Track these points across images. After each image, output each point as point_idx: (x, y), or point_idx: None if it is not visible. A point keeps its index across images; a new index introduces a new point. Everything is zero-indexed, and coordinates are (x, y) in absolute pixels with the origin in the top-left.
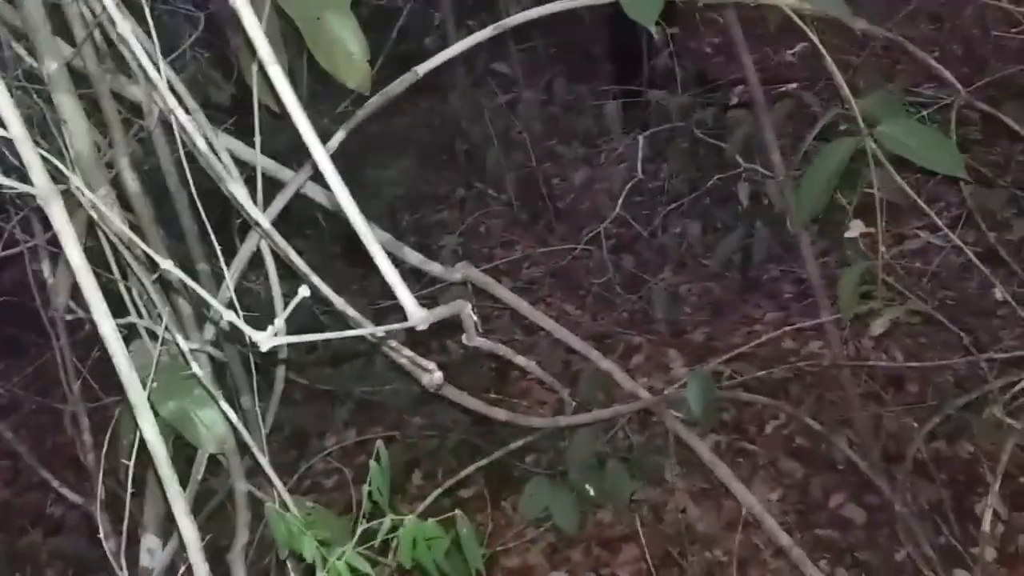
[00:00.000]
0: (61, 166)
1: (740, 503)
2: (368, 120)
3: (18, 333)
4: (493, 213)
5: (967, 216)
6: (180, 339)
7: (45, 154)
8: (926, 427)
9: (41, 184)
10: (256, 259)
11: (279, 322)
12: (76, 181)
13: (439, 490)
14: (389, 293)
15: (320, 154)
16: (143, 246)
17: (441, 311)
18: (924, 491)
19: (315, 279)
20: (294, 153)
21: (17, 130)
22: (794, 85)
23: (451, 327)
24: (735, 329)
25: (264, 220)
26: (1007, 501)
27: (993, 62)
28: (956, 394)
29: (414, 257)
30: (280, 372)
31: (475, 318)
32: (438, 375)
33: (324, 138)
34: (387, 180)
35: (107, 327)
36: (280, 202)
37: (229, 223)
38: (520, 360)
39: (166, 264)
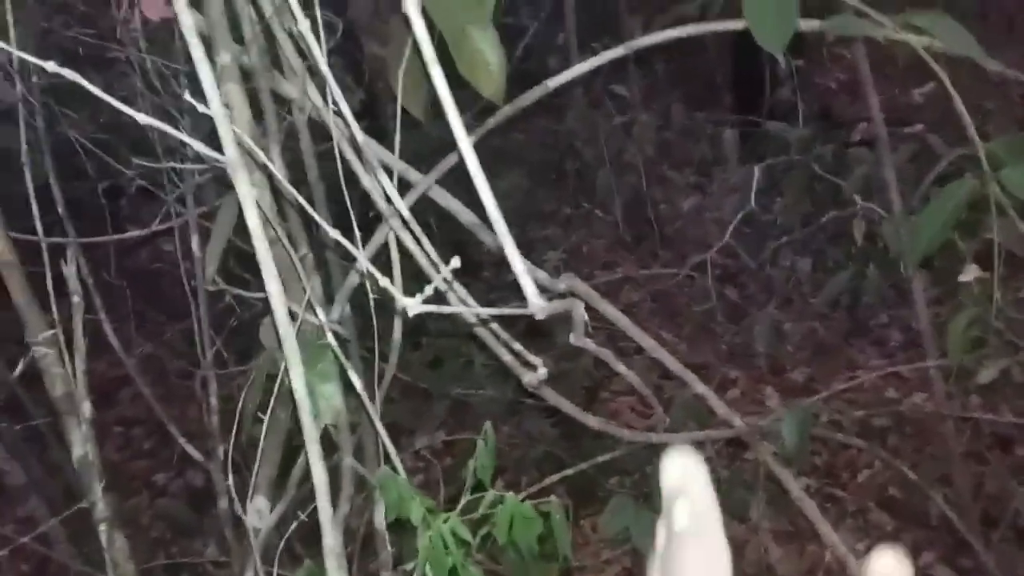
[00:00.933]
0: (248, 141)
1: (823, 548)
2: (485, 133)
3: (145, 309)
4: (598, 233)
5: None
6: (320, 312)
7: (236, 130)
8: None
9: (232, 155)
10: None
11: (429, 289)
12: (260, 155)
13: (521, 496)
14: (491, 302)
15: (466, 146)
16: (312, 213)
17: (557, 305)
18: (1022, 560)
19: (443, 268)
20: (417, 161)
21: (216, 106)
22: (920, 127)
23: (546, 344)
24: (837, 372)
25: (404, 208)
26: None
27: None
28: None
29: (520, 264)
30: (393, 359)
31: (586, 318)
32: (543, 371)
33: (451, 145)
34: (497, 192)
35: (274, 287)
36: (414, 195)
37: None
38: (621, 368)
39: (333, 232)
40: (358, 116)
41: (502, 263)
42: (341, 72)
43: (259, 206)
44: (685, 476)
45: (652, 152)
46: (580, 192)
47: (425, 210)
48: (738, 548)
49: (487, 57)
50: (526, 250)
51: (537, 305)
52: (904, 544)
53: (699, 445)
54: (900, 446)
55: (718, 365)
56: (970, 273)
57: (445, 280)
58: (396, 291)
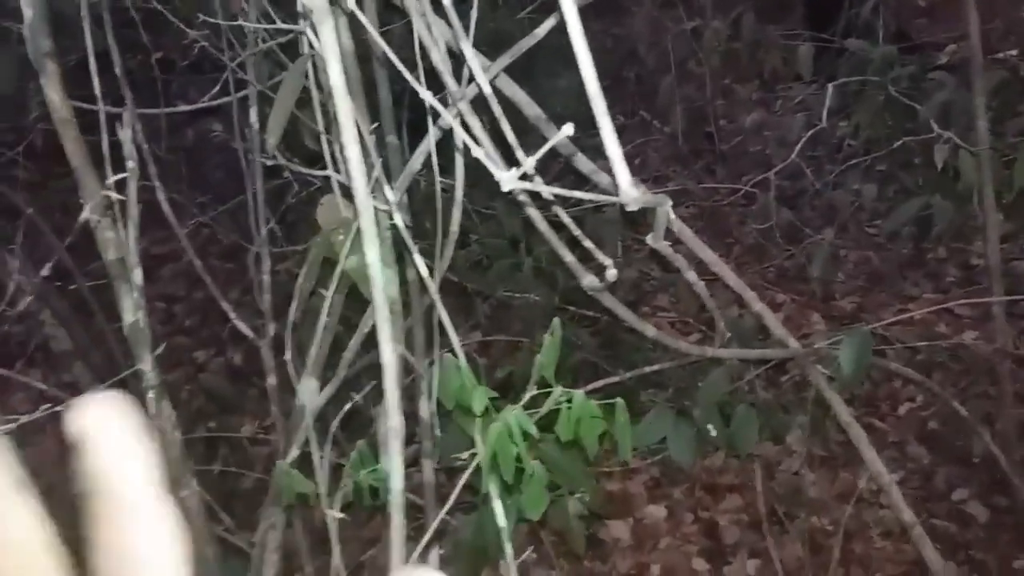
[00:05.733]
0: None
1: (857, 475)
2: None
3: (200, 184)
4: (654, 145)
5: None
6: (388, 192)
7: None
8: None
9: (318, 2)
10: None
11: (530, 162)
12: (350, 4)
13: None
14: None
15: (569, 5)
16: (400, 66)
17: (648, 198)
18: None
19: (519, 152)
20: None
21: None
22: (1013, 53)
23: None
24: (887, 304)
25: (486, 83)
26: None
27: None
28: None
29: (586, 165)
30: (448, 251)
31: (672, 216)
32: (612, 272)
33: (507, 40)
34: (556, 92)
35: (353, 152)
36: (489, 75)
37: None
38: (692, 276)
39: (425, 93)
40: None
41: (556, 171)
42: None
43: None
44: (90, 427)
45: (718, 63)
46: (638, 99)
47: (477, 108)
48: (770, 467)
49: None
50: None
51: (630, 193)
52: (938, 478)
53: (746, 363)
54: (945, 382)
55: (765, 288)
56: None
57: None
58: (491, 163)
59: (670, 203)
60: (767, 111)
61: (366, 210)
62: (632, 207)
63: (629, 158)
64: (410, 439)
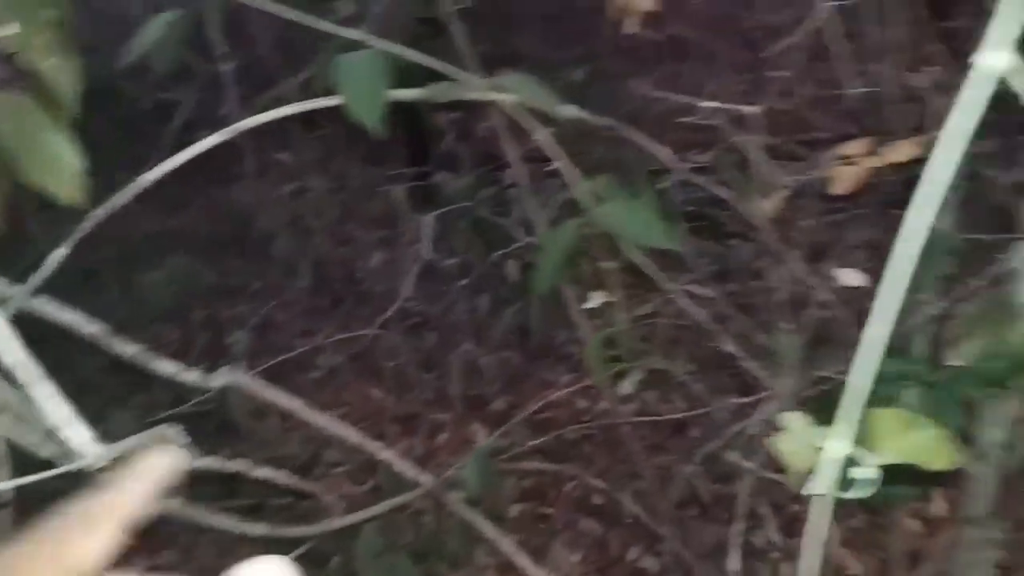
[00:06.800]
0: None
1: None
2: (141, 217)
3: None
4: (290, 303)
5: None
6: None
7: None
8: (685, 471)
9: None
10: None
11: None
12: None
13: None
14: (177, 401)
15: None
16: None
17: (130, 442)
18: (712, 532)
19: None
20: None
21: None
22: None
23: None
24: (534, 394)
25: None
26: (783, 530)
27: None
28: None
29: (168, 367)
30: None
31: (183, 441)
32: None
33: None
34: (174, 276)
35: None
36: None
37: None
38: (259, 473)
39: None
40: None
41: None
42: None
43: None
44: None
45: (333, 213)
46: (264, 263)
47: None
48: None
49: (67, 160)
50: (216, 332)
51: (94, 453)
52: (612, 545)
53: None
54: (593, 453)
55: (425, 412)
56: (594, 300)
57: None
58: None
59: (174, 430)
60: (388, 249)
61: None
62: (100, 464)
63: (269, 321)
64: None
